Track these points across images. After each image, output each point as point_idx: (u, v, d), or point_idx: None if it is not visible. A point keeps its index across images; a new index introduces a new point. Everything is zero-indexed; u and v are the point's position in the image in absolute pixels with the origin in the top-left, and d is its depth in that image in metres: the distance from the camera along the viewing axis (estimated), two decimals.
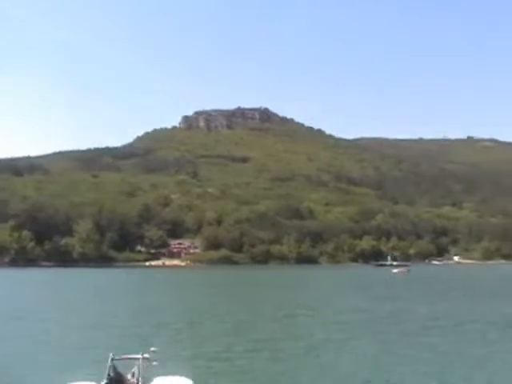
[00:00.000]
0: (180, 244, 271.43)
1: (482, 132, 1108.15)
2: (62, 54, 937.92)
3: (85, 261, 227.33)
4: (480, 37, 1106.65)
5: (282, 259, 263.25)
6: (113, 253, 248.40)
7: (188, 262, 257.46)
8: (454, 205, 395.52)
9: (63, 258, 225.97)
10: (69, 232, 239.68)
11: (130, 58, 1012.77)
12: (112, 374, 19.63)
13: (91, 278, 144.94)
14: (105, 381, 19.67)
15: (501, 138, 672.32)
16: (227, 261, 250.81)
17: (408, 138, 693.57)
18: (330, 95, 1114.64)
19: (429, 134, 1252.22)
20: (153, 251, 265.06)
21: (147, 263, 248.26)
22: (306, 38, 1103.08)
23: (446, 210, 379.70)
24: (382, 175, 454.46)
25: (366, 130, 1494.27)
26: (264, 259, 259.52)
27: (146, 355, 21.02)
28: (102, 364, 21.30)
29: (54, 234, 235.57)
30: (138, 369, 20.56)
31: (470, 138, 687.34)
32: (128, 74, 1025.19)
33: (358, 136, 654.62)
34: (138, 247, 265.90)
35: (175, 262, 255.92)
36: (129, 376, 20.12)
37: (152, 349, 21.28)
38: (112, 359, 20.36)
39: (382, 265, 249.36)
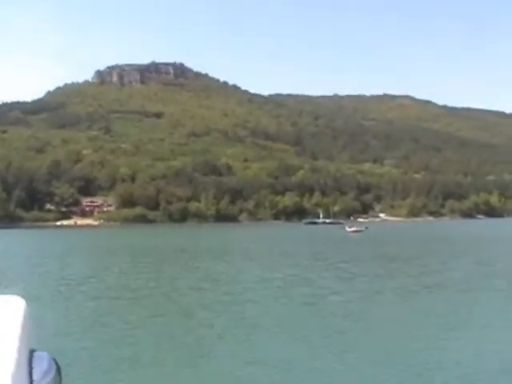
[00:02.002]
0: (93, 202, 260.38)
1: (397, 89, 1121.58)
2: None
3: None
4: None
5: (200, 217, 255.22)
6: (20, 212, 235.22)
7: (101, 220, 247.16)
8: (375, 161, 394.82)
9: None
10: None
11: (42, 10, 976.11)
12: None
13: None
14: None
15: (416, 96, 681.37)
16: (143, 219, 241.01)
17: (323, 94, 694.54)
18: (244, 51, 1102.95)
19: (344, 90, 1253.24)
20: (64, 210, 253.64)
21: (58, 223, 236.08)
22: None
23: (368, 166, 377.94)
24: (299, 131, 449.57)
25: (281, 87, 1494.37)
26: (181, 217, 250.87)
27: None
28: None
29: None
30: None
31: (385, 95, 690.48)
32: (40, 27, 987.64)
33: (272, 92, 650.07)
34: (48, 206, 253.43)
35: (88, 221, 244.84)
36: None
37: None
38: None
39: (313, 222, 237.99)
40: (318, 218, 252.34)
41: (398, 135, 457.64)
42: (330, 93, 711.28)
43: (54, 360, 2.34)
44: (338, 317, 33.39)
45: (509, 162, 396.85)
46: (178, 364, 24.28)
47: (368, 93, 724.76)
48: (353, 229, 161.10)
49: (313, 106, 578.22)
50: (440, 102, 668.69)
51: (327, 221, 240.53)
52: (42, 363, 2.25)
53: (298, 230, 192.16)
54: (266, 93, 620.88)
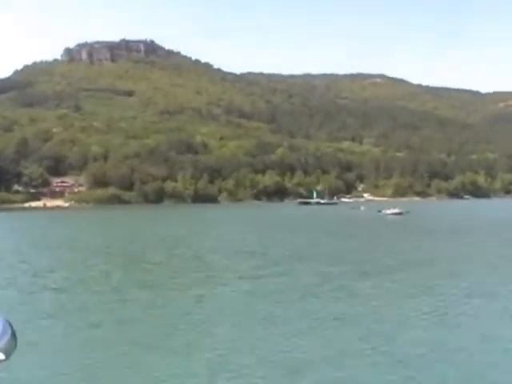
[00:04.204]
0: (63, 182, 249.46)
1: (370, 68, 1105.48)
2: None
3: None
4: None
5: (178, 197, 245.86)
6: None
7: (72, 202, 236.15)
8: (353, 139, 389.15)
9: None
10: None
11: None
12: None
13: None
14: None
15: (390, 74, 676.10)
16: (116, 200, 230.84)
17: (295, 73, 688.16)
18: (216, 29, 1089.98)
19: (315, 69, 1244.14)
20: (32, 191, 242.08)
21: (26, 204, 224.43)
22: None
23: (347, 144, 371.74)
24: (273, 109, 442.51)
25: (252, 66, 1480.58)
26: (157, 198, 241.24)
27: None
28: None
29: None
30: None
31: (359, 74, 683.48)
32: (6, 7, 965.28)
33: (244, 71, 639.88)
34: (16, 187, 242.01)
35: (58, 202, 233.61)
36: None
37: None
38: None
39: (306, 203, 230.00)
40: (303, 197, 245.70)
41: (375, 114, 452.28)
42: (301, 72, 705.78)
43: (9, 322, 2.40)
44: None
45: (489, 141, 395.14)
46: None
47: (340, 72, 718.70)
48: (391, 211, 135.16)
49: (285, 84, 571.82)
50: (414, 81, 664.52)
51: (322, 201, 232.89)
52: None
53: (301, 211, 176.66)
54: (238, 71, 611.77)
